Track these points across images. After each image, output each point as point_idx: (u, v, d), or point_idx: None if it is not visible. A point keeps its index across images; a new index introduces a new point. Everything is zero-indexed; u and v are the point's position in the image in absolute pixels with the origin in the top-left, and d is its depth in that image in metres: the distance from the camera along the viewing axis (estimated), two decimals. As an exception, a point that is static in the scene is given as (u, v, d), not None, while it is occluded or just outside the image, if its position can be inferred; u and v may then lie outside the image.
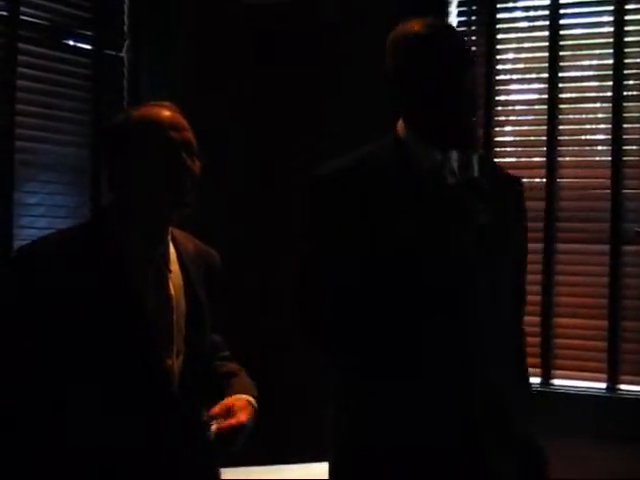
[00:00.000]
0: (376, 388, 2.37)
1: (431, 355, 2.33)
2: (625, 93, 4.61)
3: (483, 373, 2.39)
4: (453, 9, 4.95)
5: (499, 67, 4.88)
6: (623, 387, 4.57)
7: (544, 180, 4.70)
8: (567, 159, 4.76)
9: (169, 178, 2.29)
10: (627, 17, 4.62)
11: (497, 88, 4.85)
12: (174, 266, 2.40)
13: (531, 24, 4.90)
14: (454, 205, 2.38)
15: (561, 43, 4.75)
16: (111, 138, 2.35)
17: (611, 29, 4.65)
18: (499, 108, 4.86)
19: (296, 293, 2.44)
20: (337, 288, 2.34)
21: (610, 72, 4.63)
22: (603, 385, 4.58)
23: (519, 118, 4.91)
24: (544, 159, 4.69)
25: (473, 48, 4.84)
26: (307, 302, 2.41)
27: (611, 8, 4.66)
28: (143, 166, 2.28)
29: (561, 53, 4.74)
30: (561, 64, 4.74)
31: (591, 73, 4.75)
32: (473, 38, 4.93)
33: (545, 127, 4.71)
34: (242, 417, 2.37)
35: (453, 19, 4.94)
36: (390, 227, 2.32)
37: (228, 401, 2.42)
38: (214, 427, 2.32)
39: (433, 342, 2.33)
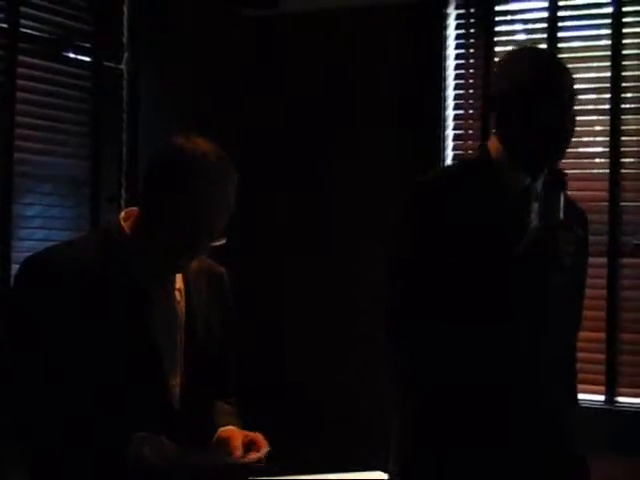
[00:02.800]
0: (448, 394, 2.47)
1: (507, 361, 2.44)
2: (623, 106, 4.63)
3: (549, 385, 2.52)
4: (451, 21, 4.97)
5: (497, 79, 4.88)
6: (621, 399, 4.57)
7: (542, 192, 4.70)
8: (565, 171, 4.75)
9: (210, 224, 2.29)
10: (625, 30, 4.64)
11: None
12: (179, 283, 2.39)
13: (529, 37, 4.91)
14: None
15: (559, 56, 4.75)
16: (169, 169, 2.28)
17: (609, 42, 4.67)
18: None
19: (389, 289, 2.52)
20: (422, 286, 2.43)
21: (608, 85, 4.65)
22: (601, 397, 4.58)
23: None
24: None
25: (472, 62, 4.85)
26: (396, 302, 2.48)
27: (609, 21, 4.67)
28: (194, 205, 2.25)
29: (559, 66, 4.74)
30: (559, 77, 4.75)
31: (589, 86, 4.76)
32: (471, 51, 4.95)
33: (543, 139, 4.71)
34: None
35: (451, 32, 4.96)
36: (478, 240, 2.42)
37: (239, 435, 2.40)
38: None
39: (509, 349, 2.44)
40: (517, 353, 2.45)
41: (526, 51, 2.78)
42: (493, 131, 2.63)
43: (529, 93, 2.47)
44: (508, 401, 2.45)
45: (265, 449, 2.32)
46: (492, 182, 2.51)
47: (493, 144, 2.57)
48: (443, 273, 2.40)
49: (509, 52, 2.76)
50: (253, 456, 2.29)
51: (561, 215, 2.40)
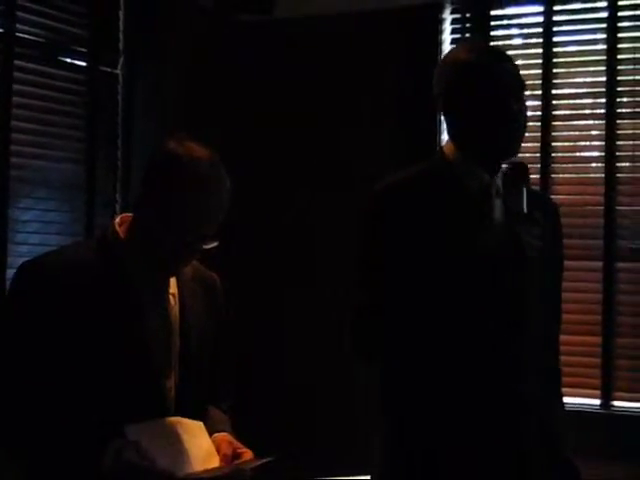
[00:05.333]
0: (427, 395, 2.46)
1: (481, 360, 2.43)
2: (618, 110, 4.64)
3: (528, 384, 2.49)
4: (447, 26, 4.97)
5: (493, 84, 4.88)
6: (617, 404, 4.57)
7: (538, 197, 4.70)
8: (561, 176, 4.77)
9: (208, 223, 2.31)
10: (620, 35, 4.65)
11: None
12: (173, 288, 2.40)
13: (525, 41, 4.93)
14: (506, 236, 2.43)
15: (555, 60, 4.77)
16: (168, 169, 2.30)
17: (604, 47, 4.68)
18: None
19: (351, 299, 2.52)
20: (388, 293, 2.43)
21: (603, 89, 4.66)
22: (597, 402, 4.58)
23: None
24: (537, 176, 4.69)
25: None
26: (360, 311, 2.49)
27: (604, 26, 4.68)
28: (194, 204, 2.27)
29: (555, 70, 4.76)
30: (555, 81, 4.77)
31: (585, 90, 4.77)
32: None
33: (539, 144, 4.72)
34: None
35: (446, 36, 4.96)
36: (444, 241, 2.42)
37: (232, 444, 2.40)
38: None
39: (483, 347, 2.43)
40: (491, 351, 2.43)
41: (461, 47, 2.76)
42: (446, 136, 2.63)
43: (472, 84, 2.47)
44: (485, 402, 2.43)
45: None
46: (451, 182, 2.51)
47: (448, 147, 2.58)
48: (410, 276, 2.40)
49: (448, 52, 2.78)
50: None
51: (524, 208, 2.40)
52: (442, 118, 4.76)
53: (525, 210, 2.40)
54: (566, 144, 4.80)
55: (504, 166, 2.52)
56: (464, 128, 2.53)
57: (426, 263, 2.40)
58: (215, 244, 2.31)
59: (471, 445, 2.42)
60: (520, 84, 2.54)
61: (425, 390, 2.46)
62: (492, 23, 4.94)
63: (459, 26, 4.98)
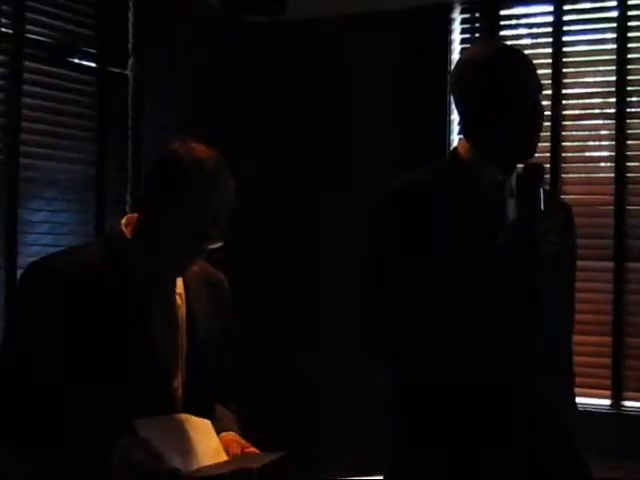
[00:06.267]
0: (441, 395, 2.45)
1: (497, 359, 2.41)
2: (628, 110, 4.63)
3: (543, 384, 2.47)
4: (456, 26, 4.97)
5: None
6: (627, 404, 4.57)
7: (548, 196, 4.70)
8: (571, 175, 4.77)
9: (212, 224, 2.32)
10: (630, 34, 4.64)
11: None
12: (179, 288, 2.41)
13: (534, 41, 4.92)
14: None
15: (564, 60, 4.77)
16: (168, 175, 2.31)
17: (614, 46, 4.67)
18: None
19: (364, 299, 2.51)
20: (401, 292, 2.42)
21: (613, 89, 4.65)
22: (607, 402, 4.57)
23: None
24: (547, 175, 4.69)
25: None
26: (374, 310, 2.48)
27: (614, 25, 4.67)
28: (198, 205, 2.28)
29: (564, 70, 4.76)
30: (564, 81, 4.76)
31: (594, 90, 4.76)
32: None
33: (549, 144, 4.72)
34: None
35: (456, 36, 4.96)
36: (457, 240, 2.41)
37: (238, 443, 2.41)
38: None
39: (500, 347, 2.41)
40: (507, 350, 2.42)
41: (479, 46, 2.77)
42: (460, 135, 2.62)
43: (495, 86, 2.45)
44: (500, 402, 2.42)
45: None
46: (465, 182, 2.51)
47: (462, 147, 2.57)
48: (424, 276, 2.40)
49: (466, 52, 2.77)
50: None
51: (541, 206, 2.40)
52: (453, 118, 4.85)
53: (542, 208, 2.40)
54: (576, 144, 4.79)
55: (520, 166, 2.52)
56: (484, 129, 2.51)
57: (440, 263, 2.39)
58: (220, 244, 2.32)
59: (485, 445, 2.41)
60: (539, 85, 2.53)
61: (440, 390, 2.44)
62: (502, 23, 4.94)
63: (468, 26, 4.98)
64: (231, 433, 2.42)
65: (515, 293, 2.42)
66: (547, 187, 2.55)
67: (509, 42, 4.91)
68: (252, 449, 2.38)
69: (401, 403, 2.58)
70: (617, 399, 4.56)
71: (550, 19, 4.82)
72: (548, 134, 4.71)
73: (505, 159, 2.51)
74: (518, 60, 2.51)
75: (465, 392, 2.42)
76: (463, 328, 2.39)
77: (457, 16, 4.98)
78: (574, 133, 4.80)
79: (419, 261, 2.41)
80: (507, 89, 2.45)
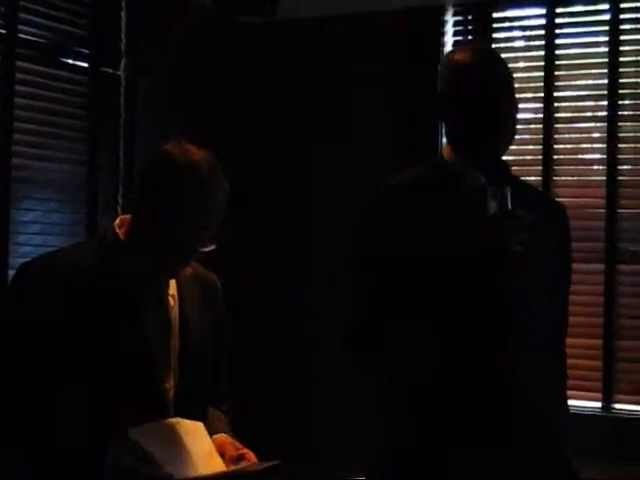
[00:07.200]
0: (427, 395, 2.46)
1: (478, 357, 2.42)
2: (620, 112, 4.64)
3: (529, 387, 2.48)
4: (449, 28, 4.97)
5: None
6: (618, 406, 4.57)
7: (539, 199, 4.70)
8: (562, 178, 4.77)
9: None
10: (622, 37, 4.65)
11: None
12: (172, 289, 2.41)
13: (527, 43, 4.93)
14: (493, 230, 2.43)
15: (557, 63, 4.77)
16: (161, 176, 2.31)
17: (606, 49, 4.68)
18: (495, 127, 4.87)
19: (352, 296, 2.52)
20: (388, 291, 2.43)
21: (605, 92, 4.66)
22: (598, 404, 4.58)
23: (515, 137, 4.91)
24: (540, 178, 4.70)
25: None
26: (360, 310, 2.49)
27: (606, 28, 4.68)
28: (194, 207, 2.28)
29: (557, 73, 4.76)
30: (557, 83, 4.76)
31: (586, 93, 4.77)
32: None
33: (541, 146, 4.72)
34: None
35: (449, 39, 4.96)
36: (439, 241, 2.42)
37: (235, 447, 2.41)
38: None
39: (481, 346, 2.42)
40: (483, 347, 2.42)
41: (458, 48, 2.87)
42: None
43: (464, 84, 2.49)
44: (482, 405, 2.42)
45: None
46: (448, 183, 2.53)
47: (446, 148, 2.61)
48: (408, 275, 2.41)
49: (447, 53, 2.84)
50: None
51: (509, 205, 2.40)
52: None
53: (509, 207, 2.41)
54: (568, 146, 4.80)
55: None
56: (456, 128, 2.56)
57: (423, 262, 2.40)
58: (213, 246, 2.32)
59: (469, 447, 2.42)
60: (511, 86, 2.56)
61: (425, 390, 2.46)
62: (494, 25, 4.94)
63: (461, 28, 4.98)
64: (223, 435, 2.42)
65: (489, 292, 2.42)
66: (538, 189, 2.54)
67: (501, 45, 4.93)
68: (245, 450, 2.38)
69: (388, 404, 2.58)
70: (608, 402, 4.57)
71: (543, 22, 4.82)
72: (540, 137, 4.72)
73: (473, 158, 2.53)
74: (483, 60, 2.55)
75: (447, 391, 2.42)
76: (443, 325, 2.39)
77: (450, 18, 4.98)
78: (566, 136, 4.80)
79: (404, 261, 2.42)
80: (475, 88, 2.49)
